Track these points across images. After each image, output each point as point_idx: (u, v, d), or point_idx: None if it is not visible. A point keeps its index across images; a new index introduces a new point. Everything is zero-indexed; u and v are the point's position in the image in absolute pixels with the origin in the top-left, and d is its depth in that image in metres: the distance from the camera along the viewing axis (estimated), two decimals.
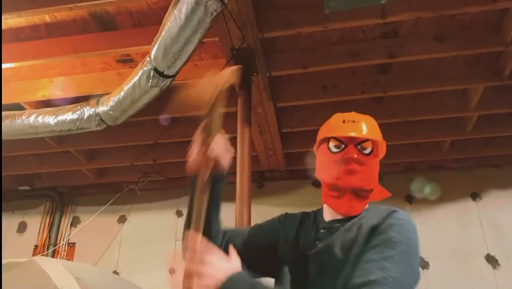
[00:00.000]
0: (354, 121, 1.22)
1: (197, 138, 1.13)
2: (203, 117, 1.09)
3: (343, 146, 1.19)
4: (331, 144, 1.22)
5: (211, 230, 1.15)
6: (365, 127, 1.21)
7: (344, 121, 1.23)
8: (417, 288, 1.03)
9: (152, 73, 2.22)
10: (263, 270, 1.21)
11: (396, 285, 0.93)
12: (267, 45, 2.55)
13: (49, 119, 2.72)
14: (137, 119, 3.07)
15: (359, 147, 1.18)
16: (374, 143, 1.20)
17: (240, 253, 1.04)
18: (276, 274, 1.21)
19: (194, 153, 1.12)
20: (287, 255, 1.19)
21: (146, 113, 2.85)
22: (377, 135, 1.22)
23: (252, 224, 1.99)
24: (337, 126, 1.24)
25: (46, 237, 4.12)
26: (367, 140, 1.19)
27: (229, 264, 0.96)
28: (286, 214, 1.31)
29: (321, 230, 1.17)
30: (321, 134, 1.29)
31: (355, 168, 1.16)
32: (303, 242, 1.18)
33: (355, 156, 1.16)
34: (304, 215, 1.29)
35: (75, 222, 4.17)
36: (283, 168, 3.77)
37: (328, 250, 1.08)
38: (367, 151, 1.19)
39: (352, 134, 1.18)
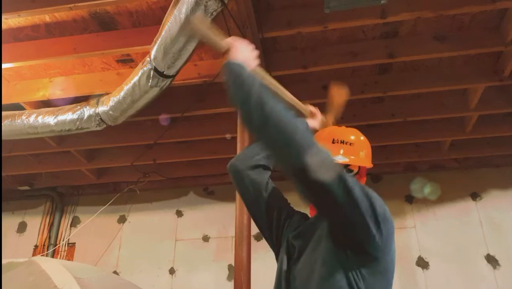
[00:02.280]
0: (343, 142, 1.28)
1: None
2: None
3: None
4: None
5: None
6: (353, 148, 1.28)
7: (333, 141, 1.29)
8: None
9: (152, 73, 2.22)
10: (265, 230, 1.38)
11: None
12: (267, 45, 2.55)
13: (49, 119, 2.72)
14: (137, 119, 3.07)
15: (345, 170, 1.23)
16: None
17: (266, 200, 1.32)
18: (275, 248, 1.36)
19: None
20: (284, 240, 1.31)
21: (146, 113, 2.86)
22: (364, 158, 1.28)
23: (252, 224, 1.99)
24: (326, 145, 1.28)
25: (46, 237, 4.12)
26: None
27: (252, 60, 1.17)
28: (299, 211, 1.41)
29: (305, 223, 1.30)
30: None
31: None
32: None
33: None
34: (304, 215, 1.39)
35: (75, 222, 4.17)
36: None
37: (301, 235, 1.22)
38: (353, 173, 1.25)
39: (339, 160, 1.24)
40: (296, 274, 1.16)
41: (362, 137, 1.33)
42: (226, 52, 1.17)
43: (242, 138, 2.16)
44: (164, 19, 2.02)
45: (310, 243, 1.17)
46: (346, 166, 1.25)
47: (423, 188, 3.73)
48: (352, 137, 1.30)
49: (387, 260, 1.09)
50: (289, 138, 0.95)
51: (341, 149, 1.27)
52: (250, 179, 1.36)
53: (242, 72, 1.06)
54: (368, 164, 1.29)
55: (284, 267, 1.21)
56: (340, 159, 1.24)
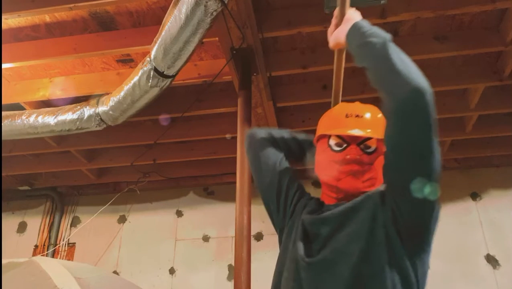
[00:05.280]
0: (358, 116, 1.14)
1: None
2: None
3: (345, 145, 1.12)
4: (332, 142, 1.14)
5: None
6: (369, 122, 1.13)
7: (347, 115, 1.15)
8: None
9: (152, 73, 2.22)
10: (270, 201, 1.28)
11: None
12: (267, 45, 2.55)
13: (49, 119, 2.72)
14: (137, 119, 3.07)
15: (362, 146, 1.11)
16: (379, 139, 1.11)
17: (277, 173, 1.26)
18: (280, 224, 1.24)
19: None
20: (296, 220, 1.18)
21: (146, 113, 2.86)
22: (382, 131, 1.10)
23: (252, 224, 1.99)
24: (339, 121, 1.15)
25: (46, 237, 4.12)
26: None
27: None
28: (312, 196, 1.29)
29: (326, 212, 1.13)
30: (321, 127, 1.22)
31: (357, 169, 1.09)
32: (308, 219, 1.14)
33: (358, 157, 1.09)
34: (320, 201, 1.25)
35: (75, 222, 4.17)
36: None
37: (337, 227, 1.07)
38: (371, 149, 1.11)
39: (355, 132, 1.10)
40: (323, 265, 1.02)
41: (380, 115, 1.16)
42: (342, 15, 1.20)
43: (242, 138, 2.16)
44: (164, 19, 2.02)
45: (341, 233, 1.03)
46: (363, 141, 1.11)
47: (423, 188, 3.73)
48: (368, 114, 1.15)
49: (428, 258, 1.02)
50: (414, 70, 0.98)
51: (357, 123, 1.12)
52: (266, 148, 1.30)
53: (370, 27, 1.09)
54: None
55: (302, 254, 1.06)
56: (357, 132, 1.10)
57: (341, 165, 1.10)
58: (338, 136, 1.14)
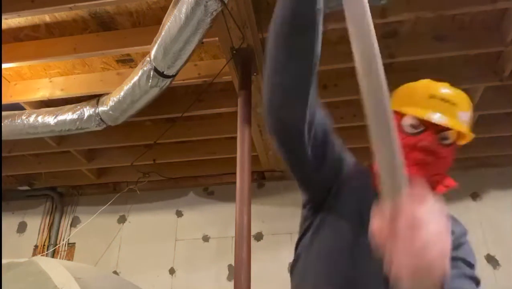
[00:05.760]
0: (444, 100, 0.97)
1: None
2: None
3: (421, 128, 0.96)
4: (406, 121, 0.98)
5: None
6: (457, 112, 0.97)
7: (431, 96, 0.98)
8: None
9: (152, 73, 2.22)
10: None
11: None
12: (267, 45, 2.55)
13: (49, 119, 2.72)
14: (137, 119, 3.07)
15: (440, 135, 0.96)
16: (460, 133, 0.99)
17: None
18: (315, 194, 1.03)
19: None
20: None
21: (146, 113, 2.86)
22: (465, 124, 0.98)
23: (252, 224, 2.00)
24: (421, 100, 0.99)
25: (46, 237, 4.12)
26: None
27: None
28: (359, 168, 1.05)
29: None
30: (397, 100, 1.03)
31: (428, 160, 0.95)
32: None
33: (433, 147, 0.95)
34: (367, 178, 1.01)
35: (75, 222, 4.17)
36: (283, 168, 3.77)
37: None
38: (449, 141, 0.97)
39: (437, 119, 0.94)
40: None
41: (470, 106, 1.03)
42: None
43: (242, 138, 2.16)
44: (164, 19, 2.03)
45: None
46: (443, 130, 0.96)
47: None
48: (457, 106, 0.98)
49: None
50: None
51: (441, 108, 0.96)
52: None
53: None
54: (469, 134, 0.99)
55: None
56: (439, 119, 0.94)
57: (411, 151, 0.94)
58: (416, 117, 0.97)
